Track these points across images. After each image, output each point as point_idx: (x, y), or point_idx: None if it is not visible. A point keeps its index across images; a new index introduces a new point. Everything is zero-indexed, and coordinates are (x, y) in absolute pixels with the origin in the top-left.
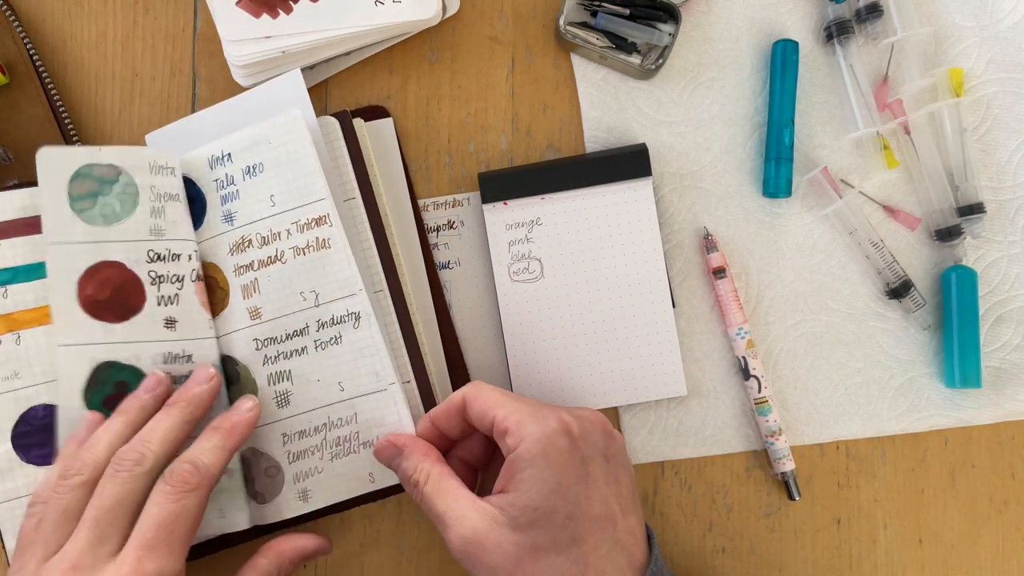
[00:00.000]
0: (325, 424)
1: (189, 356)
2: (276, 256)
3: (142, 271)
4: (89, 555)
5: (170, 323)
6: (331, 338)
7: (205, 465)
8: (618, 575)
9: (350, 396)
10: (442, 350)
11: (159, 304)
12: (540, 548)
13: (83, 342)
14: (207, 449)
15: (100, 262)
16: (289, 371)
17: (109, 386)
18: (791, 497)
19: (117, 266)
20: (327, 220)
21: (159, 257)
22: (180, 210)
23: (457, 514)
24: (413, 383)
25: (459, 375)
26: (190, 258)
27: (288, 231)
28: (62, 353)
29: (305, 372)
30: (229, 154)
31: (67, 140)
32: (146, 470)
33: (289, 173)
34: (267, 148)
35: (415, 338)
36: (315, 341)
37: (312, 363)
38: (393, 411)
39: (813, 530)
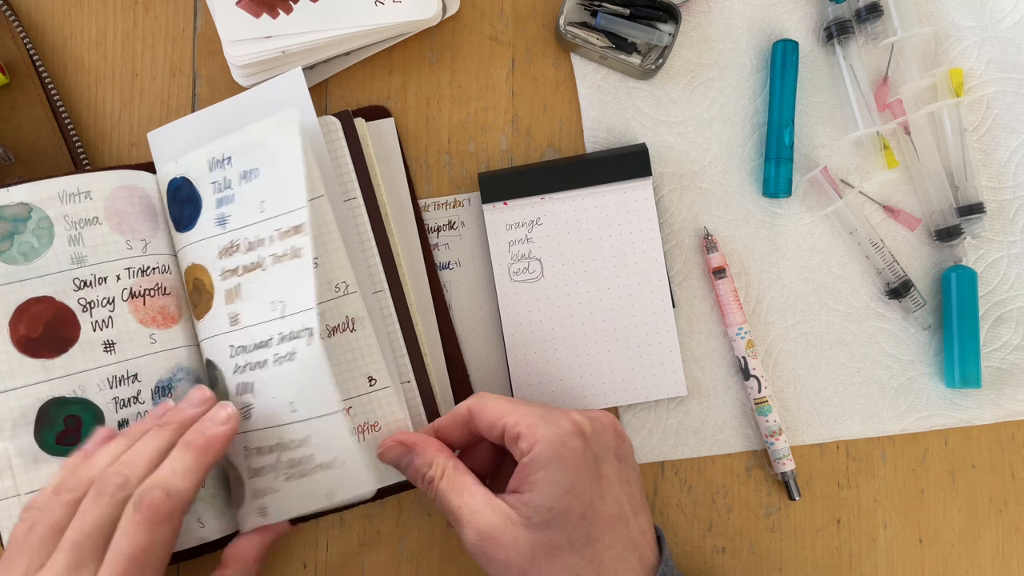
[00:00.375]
0: (278, 444)
1: (135, 376)
2: (258, 263)
3: (71, 300)
4: None
5: (109, 346)
6: (287, 353)
7: (178, 491)
8: (631, 574)
9: (302, 418)
10: (442, 350)
11: (94, 330)
12: (555, 547)
13: (24, 384)
14: (180, 472)
15: (28, 300)
16: (252, 384)
17: (59, 423)
18: (791, 497)
19: (46, 300)
20: (303, 229)
21: (86, 284)
22: (100, 232)
23: (472, 509)
24: (413, 383)
25: (459, 375)
26: (118, 278)
27: (271, 237)
28: (3, 400)
29: (265, 386)
30: (229, 157)
31: (67, 140)
32: (129, 495)
33: (279, 178)
34: (262, 151)
35: (416, 338)
36: (275, 355)
37: (270, 378)
38: (345, 438)
39: (813, 530)
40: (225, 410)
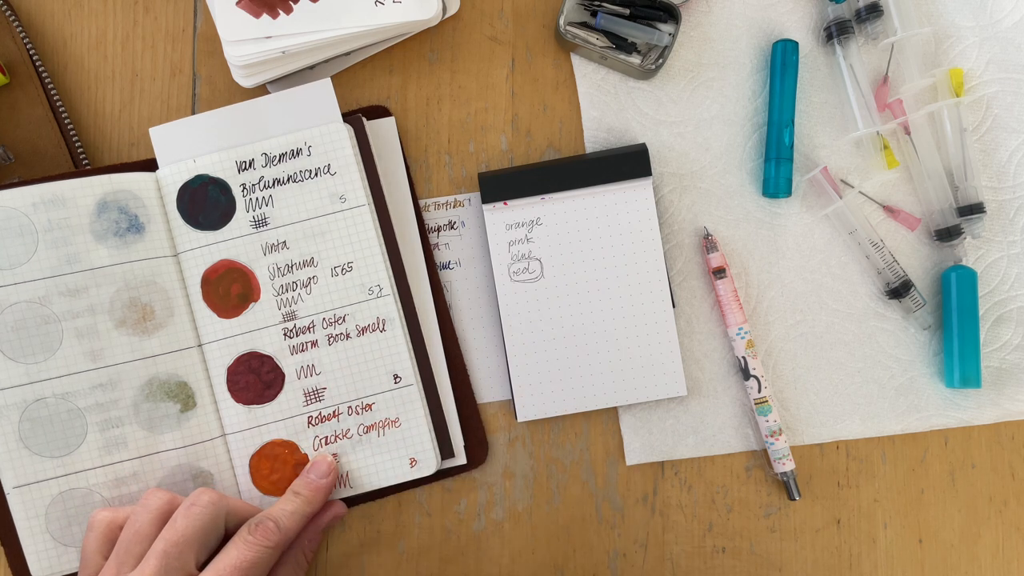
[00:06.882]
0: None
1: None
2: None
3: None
4: None
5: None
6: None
7: (286, 528)
8: None
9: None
10: (442, 350)
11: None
12: None
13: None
14: (289, 513)
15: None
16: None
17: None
18: (791, 497)
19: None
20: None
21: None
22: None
23: None
24: (418, 384)
25: (459, 375)
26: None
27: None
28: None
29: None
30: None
31: (67, 140)
32: (219, 511)
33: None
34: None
35: (423, 340)
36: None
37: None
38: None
39: (813, 530)
40: (325, 464)
